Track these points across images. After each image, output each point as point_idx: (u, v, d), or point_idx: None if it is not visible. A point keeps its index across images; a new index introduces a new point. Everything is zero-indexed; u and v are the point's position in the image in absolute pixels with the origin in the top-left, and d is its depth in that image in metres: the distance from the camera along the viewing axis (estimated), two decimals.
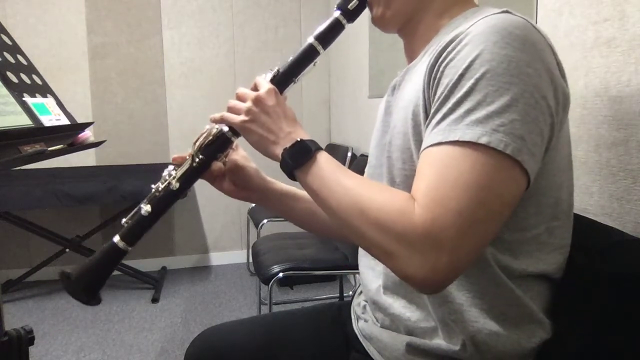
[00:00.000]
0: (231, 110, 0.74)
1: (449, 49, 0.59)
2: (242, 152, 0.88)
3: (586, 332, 0.63)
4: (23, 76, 0.83)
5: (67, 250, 2.74)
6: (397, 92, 0.75)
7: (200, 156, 0.77)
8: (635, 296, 0.59)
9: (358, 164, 2.41)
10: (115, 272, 0.80)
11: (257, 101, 0.71)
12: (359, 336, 0.80)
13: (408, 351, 0.69)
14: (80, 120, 0.90)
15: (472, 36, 0.57)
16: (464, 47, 0.57)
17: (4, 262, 2.95)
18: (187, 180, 0.77)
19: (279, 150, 0.69)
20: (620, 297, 0.61)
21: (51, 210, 2.92)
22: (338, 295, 2.48)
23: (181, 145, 3.15)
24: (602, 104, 0.90)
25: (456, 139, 0.55)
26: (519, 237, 0.64)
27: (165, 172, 0.79)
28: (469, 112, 0.55)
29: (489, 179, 0.54)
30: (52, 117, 0.83)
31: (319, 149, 0.68)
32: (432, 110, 0.60)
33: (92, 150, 3.00)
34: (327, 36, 0.75)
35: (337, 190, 0.62)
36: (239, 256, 3.32)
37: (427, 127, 0.60)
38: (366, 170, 0.83)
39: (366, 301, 0.81)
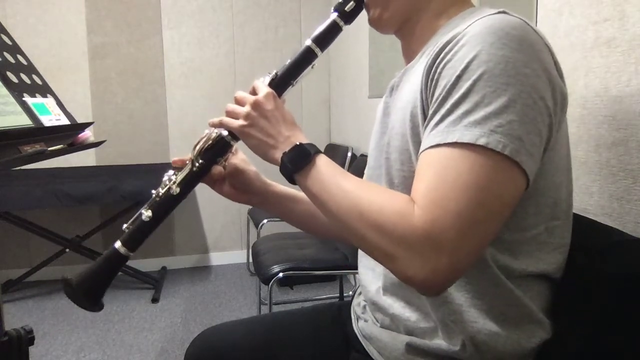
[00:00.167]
0: (230, 114, 0.74)
1: (447, 50, 0.59)
2: (241, 156, 0.88)
3: (586, 332, 0.63)
4: (23, 76, 0.83)
5: (67, 250, 2.74)
6: (395, 93, 0.75)
7: (200, 160, 0.77)
8: (635, 296, 0.59)
9: (358, 164, 2.41)
10: None
11: (256, 105, 0.71)
12: (358, 336, 0.80)
13: (408, 351, 0.69)
14: (80, 120, 0.90)
15: (469, 37, 0.57)
16: (461, 48, 0.58)
17: (4, 262, 2.95)
18: (188, 184, 0.78)
19: (278, 155, 0.69)
20: (620, 297, 0.61)
21: (51, 210, 2.92)
22: (338, 295, 2.48)
23: (181, 145, 3.15)
24: (602, 104, 0.90)
25: (454, 140, 0.55)
26: (518, 237, 0.64)
27: (166, 177, 0.79)
28: (467, 113, 0.55)
29: (487, 180, 0.54)
30: (52, 117, 0.83)
31: (318, 152, 0.68)
32: (430, 112, 0.60)
33: (92, 150, 3.00)
34: (325, 38, 0.75)
35: (337, 193, 0.63)
36: (239, 256, 3.32)
37: (425, 128, 0.60)
38: (365, 171, 0.83)
39: (366, 301, 0.81)
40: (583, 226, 0.72)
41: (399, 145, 0.68)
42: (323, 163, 0.66)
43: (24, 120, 0.75)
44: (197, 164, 0.77)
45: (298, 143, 0.68)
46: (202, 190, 0.81)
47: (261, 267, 1.90)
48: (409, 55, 0.76)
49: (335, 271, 2.01)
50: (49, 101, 0.86)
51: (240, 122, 0.72)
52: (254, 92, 0.74)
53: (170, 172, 0.79)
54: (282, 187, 0.90)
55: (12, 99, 0.75)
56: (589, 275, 0.65)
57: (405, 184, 0.67)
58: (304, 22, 3.26)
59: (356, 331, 0.81)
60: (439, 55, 0.60)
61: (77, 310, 2.52)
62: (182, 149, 3.14)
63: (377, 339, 0.74)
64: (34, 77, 0.87)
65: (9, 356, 0.80)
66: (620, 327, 0.60)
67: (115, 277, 0.77)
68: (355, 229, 0.60)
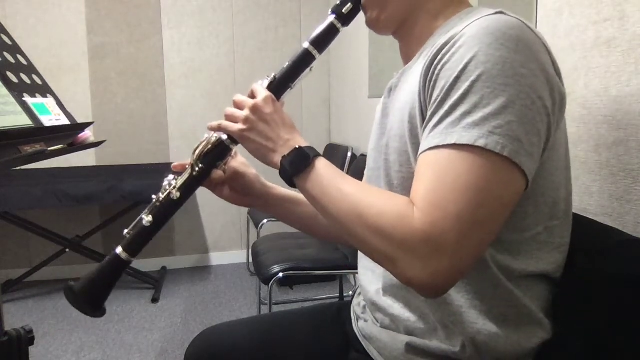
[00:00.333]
0: (229, 118, 0.74)
1: (444, 51, 0.59)
2: (241, 159, 0.88)
3: (586, 332, 0.63)
4: (23, 76, 0.83)
5: (67, 250, 2.74)
6: (394, 94, 0.75)
7: (200, 165, 0.77)
8: (635, 296, 0.59)
9: (358, 164, 2.41)
10: None
11: (255, 109, 0.71)
12: (358, 336, 0.80)
13: (408, 351, 0.69)
14: (80, 120, 0.90)
15: (466, 38, 0.57)
16: (458, 49, 0.57)
17: (4, 262, 2.95)
18: (188, 189, 0.78)
19: (277, 158, 0.69)
20: (620, 297, 0.61)
21: (51, 210, 2.92)
22: (338, 295, 2.48)
23: (181, 145, 3.16)
24: (602, 104, 0.90)
25: (453, 142, 0.55)
26: (518, 237, 0.64)
27: (166, 182, 0.79)
28: (466, 114, 0.55)
29: (487, 181, 0.54)
30: (52, 117, 0.83)
31: (317, 155, 0.68)
32: (429, 113, 0.60)
33: (92, 150, 3.00)
34: (323, 41, 0.75)
35: (336, 196, 0.63)
36: (239, 256, 3.32)
37: (424, 130, 0.60)
38: (365, 172, 0.83)
39: (365, 302, 0.81)
40: (583, 226, 0.72)
41: (397, 146, 0.68)
42: (322, 166, 0.67)
43: (24, 120, 0.75)
44: (197, 169, 0.77)
45: (297, 146, 0.68)
46: (202, 191, 0.81)
47: (261, 267, 1.90)
48: (407, 56, 0.76)
49: (335, 271, 2.01)
50: (49, 101, 0.86)
51: (240, 126, 0.72)
52: (252, 96, 0.74)
53: (171, 176, 0.79)
54: (283, 189, 0.90)
55: (12, 99, 0.75)
56: (589, 275, 0.65)
57: (405, 186, 0.67)
58: (304, 22, 3.26)
59: (356, 331, 0.81)
60: (437, 57, 0.60)
61: (77, 311, 2.52)
62: (182, 149, 3.15)
63: (377, 339, 0.74)
64: (34, 77, 0.87)
65: (9, 356, 0.80)
66: (620, 327, 0.60)
67: (116, 282, 0.77)
68: (355, 232, 0.60)
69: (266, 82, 0.76)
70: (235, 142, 0.76)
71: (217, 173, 0.82)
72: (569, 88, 0.96)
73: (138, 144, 3.12)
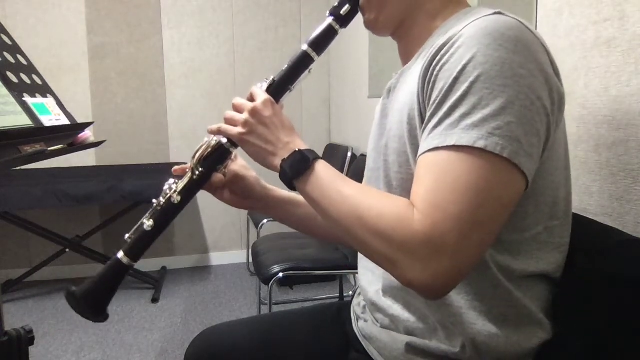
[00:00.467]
0: (228, 121, 0.74)
1: (443, 52, 0.59)
2: (241, 162, 0.88)
3: (586, 332, 0.63)
4: (23, 76, 0.83)
5: (67, 250, 2.74)
6: (393, 95, 0.75)
7: (200, 169, 0.78)
8: (635, 296, 0.59)
9: (358, 164, 2.41)
10: None
11: (254, 112, 0.71)
12: (358, 336, 0.80)
13: (408, 351, 0.69)
14: (80, 120, 0.90)
15: (464, 39, 0.57)
16: (457, 49, 0.57)
17: (4, 262, 2.95)
18: (188, 193, 0.78)
19: (277, 161, 0.69)
20: (620, 297, 0.61)
21: (51, 210, 2.92)
22: (338, 295, 2.48)
23: (181, 145, 3.16)
24: (602, 104, 0.90)
25: (453, 143, 0.55)
26: (518, 237, 0.64)
27: (166, 186, 0.79)
28: (465, 116, 0.55)
29: (486, 182, 0.54)
30: (52, 117, 0.83)
31: (317, 158, 0.68)
32: (428, 115, 0.60)
33: (92, 150, 3.00)
34: (321, 43, 0.75)
35: (336, 198, 0.63)
36: (239, 256, 3.32)
37: (423, 131, 0.60)
38: (365, 173, 0.83)
39: (365, 302, 0.81)
40: (583, 226, 0.72)
41: (396, 147, 0.68)
42: (322, 169, 0.67)
43: (24, 120, 0.75)
44: (197, 172, 0.78)
45: (297, 149, 0.68)
46: (202, 191, 0.81)
47: (261, 267, 1.90)
48: (406, 56, 0.76)
49: (335, 271, 2.01)
50: (49, 101, 0.86)
51: (239, 129, 0.72)
52: (251, 99, 0.74)
53: (171, 180, 0.80)
54: (283, 191, 0.90)
55: (12, 99, 0.75)
56: (589, 275, 0.65)
57: (404, 187, 0.67)
58: (304, 22, 3.26)
59: (356, 331, 0.81)
60: (436, 58, 0.60)
61: None
62: (182, 149, 3.15)
63: (377, 339, 0.74)
64: (34, 77, 0.87)
65: (9, 356, 0.80)
66: (620, 327, 0.60)
67: (118, 287, 0.77)
68: (355, 234, 0.60)
69: (265, 85, 0.76)
70: (235, 146, 0.76)
71: (218, 176, 0.82)
72: (569, 88, 0.96)
73: (138, 144, 3.12)
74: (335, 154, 2.83)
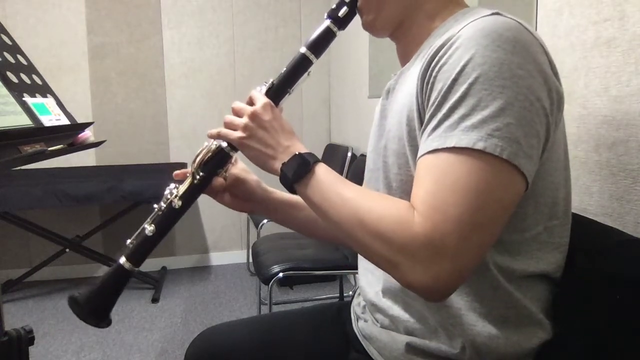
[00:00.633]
0: (228, 126, 0.74)
1: (441, 53, 0.59)
2: (241, 165, 0.88)
3: (586, 332, 0.63)
4: (23, 76, 0.83)
5: (67, 250, 2.74)
6: (392, 96, 0.75)
7: (201, 173, 0.78)
8: (635, 296, 0.59)
9: (358, 164, 2.41)
10: None
11: (254, 116, 0.71)
12: (358, 336, 0.80)
13: (408, 351, 0.69)
14: (80, 120, 0.90)
15: (462, 40, 0.57)
16: (455, 51, 0.57)
17: (4, 262, 2.95)
18: (189, 197, 0.78)
19: (277, 165, 0.70)
20: (620, 297, 0.61)
21: (51, 210, 2.92)
22: (338, 295, 2.48)
23: (181, 145, 3.16)
24: (602, 104, 0.90)
25: (452, 145, 0.55)
26: (518, 237, 0.64)
27: (167, 191, 0.79)
28: (464, 117, 0.55)
29: (486, 184, 0.54)
30: (52, 117, 0.83)
31: (317, 161, 0.68)
32: (427, 116, 0.59)
33: (92, 150, 3.00)
34: (319, 45, 0.75)
35: (337, 201, 0.63)
36: (239, 256, 3.32)
37: (422, 133, 0.60)
38: (365, 174, 0.83)
39: (365, 302, 0.81)
40: (583, 226, 0.72)
41: (396, 148, 0.68)
42: (322, 172, 0.67)
43: (24, 120, 0.75)
44: (198, 177, 0.78)
45: (297, 153, 0.68)
46: None
47: (261, 267, 1.90)
48: (405, 57, 0.76)
49: (335, 271, 2.01)
50: (49, 101, 0.86)
51: (239, 133, 0.72)
52: (251, 103, 0.74)
53: (172, 185, 0.80)
54: (284, 194, 0.90)
55: (12, 99, 0.75)
56: (589, 275, 0.65)
57: (403, 188, 0.67)
58: (304, 22, 3.26)
59: (356, 331, 0.81)
60: (434, 59, 0.60)
61: None
62: (182, 149, 3.15)
63: (377, 339, 0.74)
64: (34, 77, 0.87)
65: (9, 356, 0.80)
66: (620, 327, 0.60)
67: (121, 293, 0.78)
68: (356, 237, 0.60)
69: (264, 89, 0.76)
70: (235, 149, 0.76)
71: (218, 180, 0.82)
72: (569, 88, 0.96)
73: (138, 144, 3.12)
74: (335, 154, 2.83)
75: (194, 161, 0.78)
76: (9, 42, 0.87)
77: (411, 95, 0.64)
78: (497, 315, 0.64)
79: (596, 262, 0.65)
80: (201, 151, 0.78)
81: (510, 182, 0.55)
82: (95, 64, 3.00)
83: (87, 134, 0.90)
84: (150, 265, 3.12)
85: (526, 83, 0.55)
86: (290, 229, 0.95)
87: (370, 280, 0.78)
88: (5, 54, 0.83)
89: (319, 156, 3.36)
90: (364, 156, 2.43)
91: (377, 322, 0.76)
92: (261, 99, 0.73)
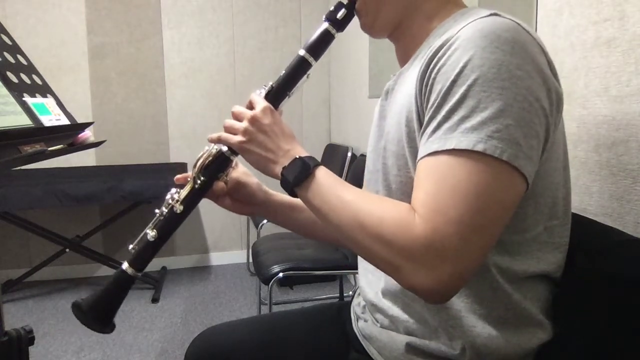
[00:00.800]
0: (228, 130, 0.74)
1: (440, 54, 0.59)
2: (242, 169, 0.88)
3: (586, 332, 0.63)
4: (23, 76, 0.83)
5: (67, 250, 2.75)
6: (391, 97, 0.75)
7: (202, 177, 0.78)
8: (635, 296, 0.59)
9: (358, 164, 2.41)
10: None
11: (254, 120, 0.71)
12: (358, 336, 0.80)
13: (407, 351, 0.69)
14: (80, 120, 0.90)
15: (461, 41, 0.57)
16: (454, 52, 0.57)
17: (4, 262, 2.95)
18: (191, 202, 0.79)
19: (278, 169, 0.70)
20: (620, 297, 0.61)
21: (51, 210, 2.92)
22: (338, 295, 2.48)
23: (181, 145, 3.16)
24: (602, 104, 0.90)
25: (452, 147, 0.55)
26: (518, 238, 0.64)
27: (168, 196, 0.80)
28: (463, 119, 0.55)
29: (486, 185, 0.54)
30: (52, 117, 0.83)
31: (318, 164, 0.68)
32: (426, 118, 0.59)
33: (92, 150, 3.00)
34: (318, 47, 0.75)
35: (337, 205, 0.63)
36: (239, 256, 3.32)
37: (422, 135, 0.60)
38: (365, 175, 0.83)
39: (365, 302, 0.81)
40: (583, 226, 0.72)
41: (395, 150, 0.68)
42: (323, 175, 0.67)
43: (24, 120, 0.75)
44: (198, 181, 0.78)
45: (297, 157, 0.69)
46: None
47: (261, 267, 1.90)
48: (404, 58, 0.76)
49: (335, 271, 2.01)
50: (49, 101, 0.86)
51: (239, 138, 0.72)
52: (251, 106, 0.74)
53: (173, 190, 0.80)
54: (285, 196, 0.90)
55: (12, 99, 0.75)
56: (589, 275, 0.65)
57: (403, 190, 0.67)
58: (304, 22, 3.25)
59: (356, 331, 0.81)
60: (433, 60, 0.60)
61: None
62: (182, 149, 3.15)
63: (377, 339, 0.74)
64: (34, 77, 0.87)
65: (9, 356, 0.80)
66: (620, 327, 0.60)
67: (124, 298, 0.78)
68: (356, 239, 0.60)
69: (264, 92, 0.76)
70: (236, 153, 0.77)
71: (219, 184, 0.82)
72: (568, 88, 0.96)
73: (138, 144, 3.12)
74: (335, 154, 2.83)
75: (195, 165, 0.78)
76: (9, 42, 0.87)
77: (410, 96, 0.64)
78: (496, 317, 0.64)
79: (596, 262, 0.65)
80: (202, 155, 0.79)
81: (510, 183, 0.55)
82: (95, 64, 3.00)
83: (87, 134, 0.90)
84: (151, 265, 3.06)
85: (525, 84, 0.55)
86: (291, 230, 0.95)
87: (370, 281, 0.78)
88: (5, 54, 0.83)
89: (319, 156, 3.34)
90: (364, 156, 2.43)
91: (377, 322, 0.76)
92: (261, 103, 0.73)
